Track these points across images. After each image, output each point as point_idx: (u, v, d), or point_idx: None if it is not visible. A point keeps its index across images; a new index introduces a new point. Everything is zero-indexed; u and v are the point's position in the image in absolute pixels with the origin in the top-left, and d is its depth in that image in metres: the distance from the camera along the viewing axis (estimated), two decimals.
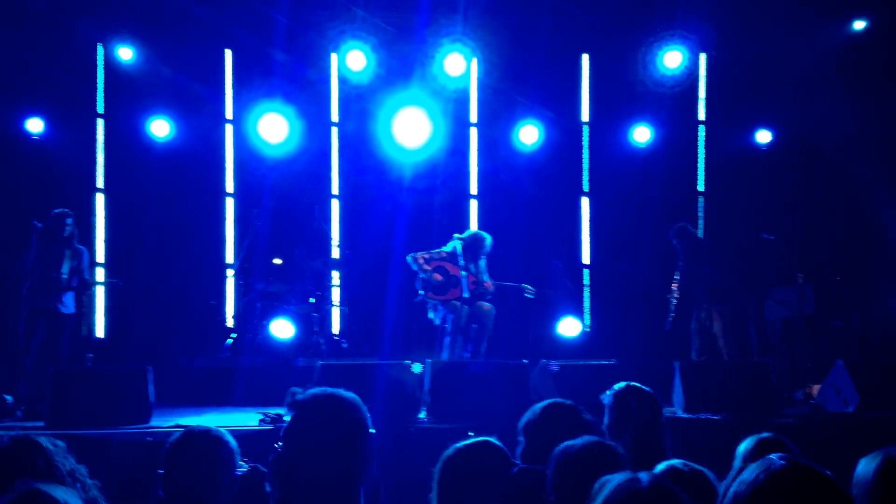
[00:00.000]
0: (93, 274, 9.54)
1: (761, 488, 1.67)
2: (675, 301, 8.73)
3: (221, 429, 2.96)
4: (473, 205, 11.44)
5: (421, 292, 8.92)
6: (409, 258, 8.88)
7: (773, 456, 1.77)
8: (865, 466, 2.20)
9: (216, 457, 2.83)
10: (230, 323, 10.59)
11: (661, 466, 2.79)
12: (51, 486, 1.94)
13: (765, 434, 3.15)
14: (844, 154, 10.32)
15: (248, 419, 6.75)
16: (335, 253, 10.65)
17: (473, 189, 11.47)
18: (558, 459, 2.68)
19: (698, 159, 11.54)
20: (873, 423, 6.55)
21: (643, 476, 1.91)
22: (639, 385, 3.93)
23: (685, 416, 6.89)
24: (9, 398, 7.35)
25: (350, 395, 2.39)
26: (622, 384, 3.94)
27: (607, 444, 2.78)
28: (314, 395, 2.35)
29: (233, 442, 2.91)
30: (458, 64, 10.86)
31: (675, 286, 8.77)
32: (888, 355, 9.25)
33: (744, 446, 3.14)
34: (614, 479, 1.92)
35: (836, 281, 9.83)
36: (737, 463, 3.08)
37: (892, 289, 10.00)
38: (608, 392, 3.94)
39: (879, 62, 10.33)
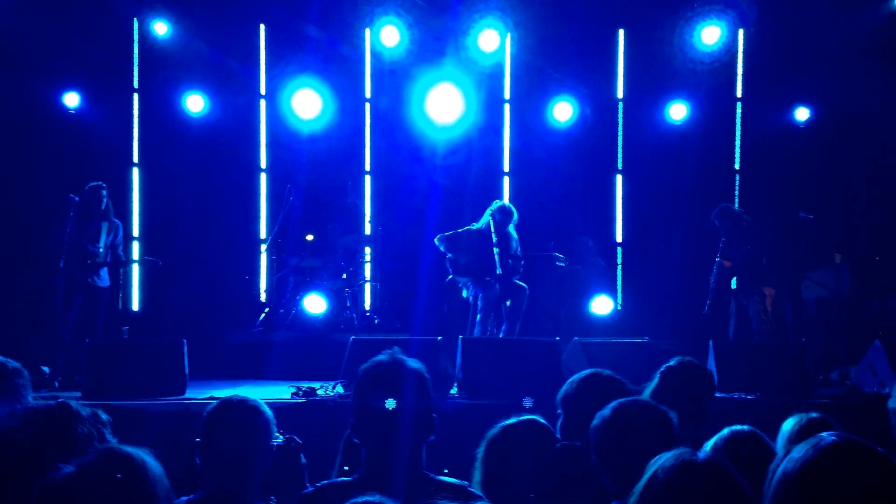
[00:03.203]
0: (128, 248, 9.64)
1: (812, 464, 1.64)
2: (714, 283, 8.64)
3: (258, 399, 2.97)
4: (506, 182, 11.40)
5: (451, 273, 8.90)
6: (436, 240, 8.83)
7: (823, 434, 1.74)
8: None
9: (253, 426, 2.83)
10: (263, 298, 10.67)
11: (724, 432, 2.80)
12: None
13: (812, 414, 3.09)
14: (885, 131, 10.12)
15: (281, 392, 6.81)
16: (367, 229, 10.67)
17: (506, 166, 11.42)
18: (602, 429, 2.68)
19: (735, 137, 11.39)
20: None
21: (702, 452, 1.92)
22: (691, 358, 3.87)
23: (718, 395, 6.83)
24: (46, 369, 7.46)
25: (415, 364, 2.71)
26: (679, 359, 3.84)
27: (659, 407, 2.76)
28: (375, 364, 2.69)
29: (269, 412, 2.91)
30: (493, 40, 10.78)
31: (716, 268, 8.67)
32: None
33: (788, 426, 3.08)
34: (671, 451, 1.93)
35: (874, 261, 9.67)
36: (780, 441, 3.04)
37: None
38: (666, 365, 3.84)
39: None
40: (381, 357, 2.72)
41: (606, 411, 2.70)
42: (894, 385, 6.74)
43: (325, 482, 2.74)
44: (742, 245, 8.69)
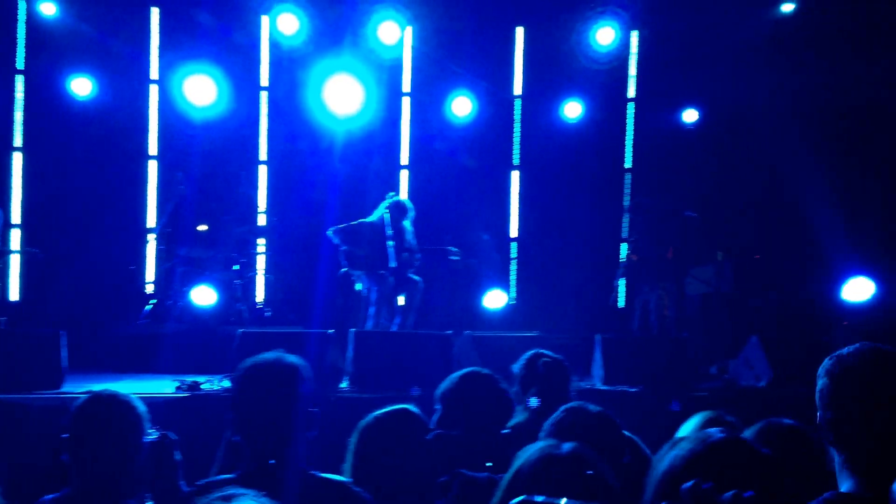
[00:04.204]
0: (7, 237, 9.24)
1: (699, 457, 1.68)
2: (622, 276, 8.87)
3: (130, 394, 2.88)
4: (405, 175, 11.39)
5: (345, 266, 8.85)
6: (329, 232, 8.76)
7: (711, 430, 1.79)
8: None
9: (123, 422, 2.76)
10: (150, 289, 10.37)
11: None
12: None
13: (710, 414, 3.17)
14: (768, 133, 10.52)
15: (165, 387, 6.63)
16: (262, 220, 10.50)
17: (405, 159, 11.41)
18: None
19: (627, 136, 11.68)
20: (784, 398, 6.74)
21: (566, 445, 1.96)
22: (547, 351, 4.05)
23: (603, 388, 7.02)
24: None
25: (296, 360, 2.71)
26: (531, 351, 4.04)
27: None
28: (257, 361, 2.68)
29: (142, 407, 2.84)
30: (393, 32, 10.74)
31: (625, 260, 8.90)
32: (802, 333, 9.51)
33: (691, 425, 3.15)
34: (537, 444, 1.95)
35: (754, 259, 10.05)
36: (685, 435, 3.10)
37: (811, 266, 10.25)
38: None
39: (808, 42, 10.48)
40: (263, 355, 2.73)
41: (560, 413, 2.77)
42: (770, 377, 7.06)
43: (205, 480, 2.70)
44: (652, 240, 8.94)
